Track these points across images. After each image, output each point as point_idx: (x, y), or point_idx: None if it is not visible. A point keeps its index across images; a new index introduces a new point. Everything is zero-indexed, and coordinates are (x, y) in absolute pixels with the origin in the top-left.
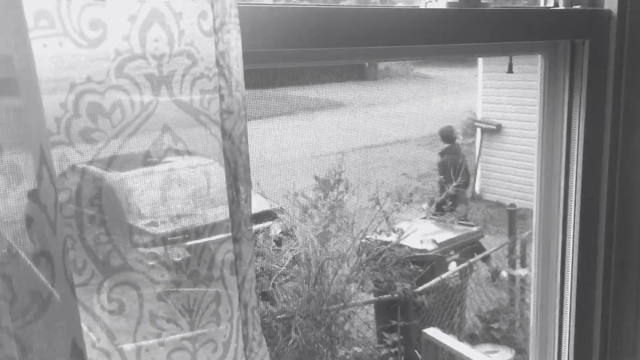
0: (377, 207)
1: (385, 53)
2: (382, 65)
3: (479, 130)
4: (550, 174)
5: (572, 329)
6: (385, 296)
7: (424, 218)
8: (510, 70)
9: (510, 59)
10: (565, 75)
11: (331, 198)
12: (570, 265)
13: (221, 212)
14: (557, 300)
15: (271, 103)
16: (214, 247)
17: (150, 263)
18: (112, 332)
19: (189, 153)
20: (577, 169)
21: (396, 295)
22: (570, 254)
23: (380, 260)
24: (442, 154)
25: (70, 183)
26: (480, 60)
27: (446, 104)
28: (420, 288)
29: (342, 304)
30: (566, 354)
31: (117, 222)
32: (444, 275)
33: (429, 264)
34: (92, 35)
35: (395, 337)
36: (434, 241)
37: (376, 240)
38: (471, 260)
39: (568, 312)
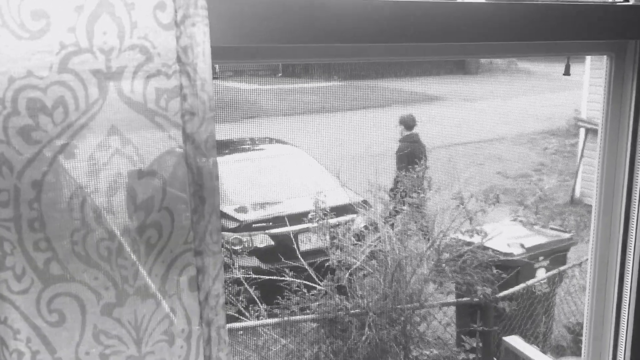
0: (461, 207)
1: (405, 51)
2: (485, 59)
3: (582, 131)
4: (613, 178)
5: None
6: (464, 299)
7: (514, 220)
8: (567, 73)
9: (568, 60)
10: (633, 78)
11: (414, 195)
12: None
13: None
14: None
15: (366, 94)
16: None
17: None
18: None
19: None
20: None
21: (476, 299)
22: (631, 255)
23: (461, 262)
24: (402, 141)
25: (8, 184)
26: (588, 57)
27: (549, 101)
28: (502, 293)
29: (419, 303)
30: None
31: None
32: (530, 282)
33: (514, 269)
34: (34, 27)
35: (474, 343)
36: (522, 245)
37: (458, 241)
38: (562, 268)
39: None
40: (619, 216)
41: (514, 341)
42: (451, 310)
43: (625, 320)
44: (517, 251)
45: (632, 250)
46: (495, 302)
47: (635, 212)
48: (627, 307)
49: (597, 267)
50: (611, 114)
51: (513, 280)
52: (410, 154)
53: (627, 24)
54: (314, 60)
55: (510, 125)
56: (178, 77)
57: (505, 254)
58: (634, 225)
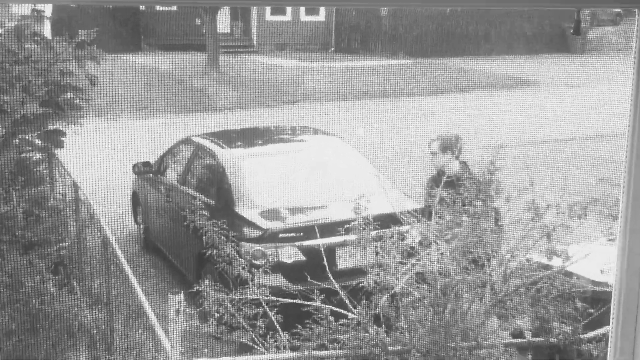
0: (536, 220)
1: None
2: (592, 35)
3: None
4: None
5: None
6: (537, 339)
7: (611, 240)
8: (577, 31)
9: (577, 15)
10: None
11: (476, 204)
12: None
13: None
14: None
15: (440, 76)
16: None
17: None
18: None
19: None
20: None
21: (553, 339)
22: None
23: (535, 291)
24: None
25: None
26: None
27: None
28: (589, 334)
29: (476, 342)
30: None
31: None
32: None
33: (605, 302)
34: None
35: None
36: None
37: (531, 264)
38: None
39: None
40: None
41: None
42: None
43: None
44: (612, 280)
45: None
46: (579, 344)
47: None
48: None
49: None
50: None
51: (604, 317)
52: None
53: None
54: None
55: (617, 120)
56: None
57: (596, 283)
58: None
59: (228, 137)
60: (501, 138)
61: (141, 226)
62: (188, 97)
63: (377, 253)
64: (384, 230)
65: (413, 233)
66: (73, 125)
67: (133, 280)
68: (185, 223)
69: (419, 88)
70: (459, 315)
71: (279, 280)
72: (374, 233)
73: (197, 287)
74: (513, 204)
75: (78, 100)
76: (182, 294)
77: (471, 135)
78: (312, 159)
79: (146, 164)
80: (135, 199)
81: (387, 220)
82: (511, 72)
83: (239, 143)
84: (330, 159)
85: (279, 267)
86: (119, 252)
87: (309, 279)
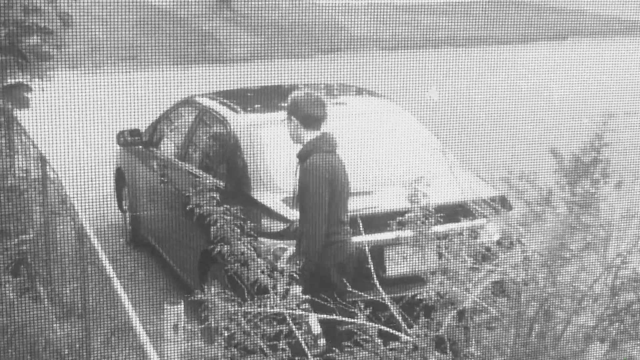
0: None
1: None
2: None
3: None
4: None
5: None
6: None
7: None
8: None
9: None
10: None
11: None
12: None
13: None
14: None
15: (533, 19)
16: None
17: None
18: None
19: None
20: None
21: None
22: None
23: None
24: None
25: None
26: None
27: None
28: None
29: None
30: None
31: None
32: None
33: None
34: None
35: None
36: None
37: None
38: None
39: None
40: None
41: None
42: None
43: None
44: None
45: None
46: None
47: None
48: None
49: None
50: None
51: None
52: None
53: None
54: None
55: None
56: None
57: None
58: None
59: (243, 98)
60: (610, 102)
61: (127, 214)
62: (191, 44)
63: (440, 255)
64: (450, 224)
65: (489, 229)
66: (39, 80)
67: (117, 285)
68: (188, 209)
69: (503, 35)
70: (550, 340)
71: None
72: (436, 228)
73: (201, 295)
74: (627, 192)
75: (47, 47)
76: (181, 304)
77: (571, 97)
78: (354, 128)
79: (134, 132)
80: (119, 178)
81: (455, 212)
82: (622, 14)
83: (258, 106)
84: (378, 127)
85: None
86: (98, 248)
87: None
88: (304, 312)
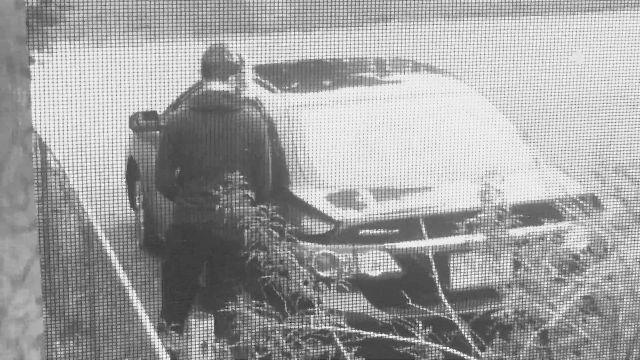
0: None
1: None
2: None
3: None
4: None
5: None
6: None
7: None
8: None
9: None
10: None
11: None
12: None
13: None
14: None
15: None
16: None
17: None
18: None
19: None
20: None
21: None
22: None
23: None
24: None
25: None
26: None
27: None
28: None
29: None
30: None
31: None
32: None
33: None
34: None
35: None
36: None
37: None
38: None
39: None
40: None
41: None
42: None
43: None
44: None
45: None
46: None
47: None
48: None
49: None
50: None
51: None
52: None
53: None
54: None
55: None
56: None
57: None
58: None
59: (279, 75)
60: None
61: (141, 212)
62: (215, 11)
63: (518, 264)
64: (529, 227)
65: (578, 233)
66: (38, 52)
67: (131, 295)
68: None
69: (581, 2)
70: None
71: (359, 303)
72: (513, 232)
73: (232, 308)
74: None
75: (48, 12)
76: (211, 318)
77: None
78: (412, 111)
79: (150, 114)
80: (132, 169)
81: (536, 212)
82: None
83: (296, 84)
84: (441, 111)
85: (359, 283)
86: (108, 251)
87: (408, 302)
88: (353, 330)
